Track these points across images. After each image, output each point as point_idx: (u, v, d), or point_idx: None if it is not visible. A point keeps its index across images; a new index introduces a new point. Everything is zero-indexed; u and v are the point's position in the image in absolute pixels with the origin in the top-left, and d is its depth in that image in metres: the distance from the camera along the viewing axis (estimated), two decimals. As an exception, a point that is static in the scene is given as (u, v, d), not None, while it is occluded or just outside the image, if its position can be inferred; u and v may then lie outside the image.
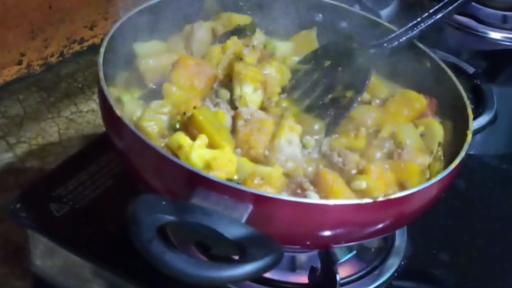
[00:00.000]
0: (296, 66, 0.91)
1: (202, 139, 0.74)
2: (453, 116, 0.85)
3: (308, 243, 0.77)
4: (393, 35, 0.90)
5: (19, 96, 1.17)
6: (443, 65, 0.90)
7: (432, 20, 0.89)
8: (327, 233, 0.72)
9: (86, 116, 1.16)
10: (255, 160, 0.77)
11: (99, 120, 1.14)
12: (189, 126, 0.77)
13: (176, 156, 0.73)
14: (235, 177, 0.74)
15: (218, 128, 0.77)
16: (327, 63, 0.90)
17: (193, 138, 0.75)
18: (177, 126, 0.78)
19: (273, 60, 0.88)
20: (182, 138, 0.75)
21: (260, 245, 0.64)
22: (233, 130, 0.80)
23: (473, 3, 1.33)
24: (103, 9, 1.25)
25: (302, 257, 0.85)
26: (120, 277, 0.82)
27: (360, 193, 0.76)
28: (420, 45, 0.92)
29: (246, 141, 0.78)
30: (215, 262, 0.63)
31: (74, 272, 0.86)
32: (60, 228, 0.86)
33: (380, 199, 0.70)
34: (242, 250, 0.64)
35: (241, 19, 0.93)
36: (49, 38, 1.19)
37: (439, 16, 0.89)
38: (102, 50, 0.80)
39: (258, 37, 0.95)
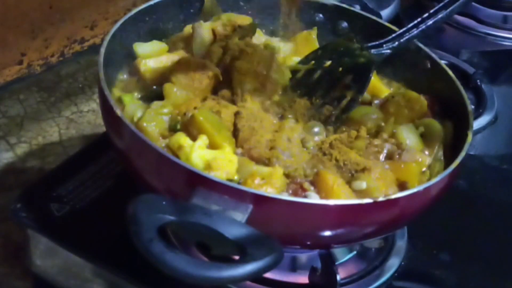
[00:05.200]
0: (296, 66, 0.91)
1: (203, 140, 0.74)
2: (454, 116, 0.85)
3: (308, 243, 0.77)
4: (393, 35, 0.90)
5: (19, 96, 1.16)
6: (443, 65, 0.90)
7: (433, 20, 0.89)
8: (327, 233, 0.72)
9: (87, 116, 1.16)
10: (256, 160, 0.77)
11: (99, 120, 1.14)
12: (190, 127, 0.77)
13: (177, 156, 0.74)
14: (236, 177, 0.74)
15: (219, 129, 0.77)
16: (328, 63, 0.90)
17: (194, 138, 0.75)
18: (178, 126, 0.78)
19: (273, 61, 0.88)
20: (182, 138, 0.75)
21: (260, 245, 0.64)
22: (234, 130, 0.80)
23: (473, 3, 1.33)
24: (104, 9, 1.25)
25: (303, 257, 0.85)
26: (120, 277, 0.82)
27: (360, 193, 0.76)
28: (420, 45, 0.92)
29: (246, 141, 0.78)
30: (216, 262, 0.63)
31: (74, 272, 0.86)
32: (60, 228, 0.86)
33: (381, 199, 0.70)
34: (242, 250, 0.64)
35: (241, 20, 0.93)
36: (50, 38, 1.19)
37: (439, 16, 0.89)
38: (102, 50, 0.80)
39: (259, 37, 0.95)
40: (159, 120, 0.78)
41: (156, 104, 0.80)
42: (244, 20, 0.94)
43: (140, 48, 0.88)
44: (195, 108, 0.79)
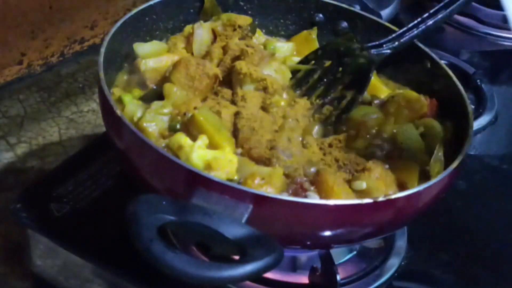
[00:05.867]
0: (296, 66, 0.91)
1: (203, 140, 0.74)
2: (454, 116, 0.85)
3: (308, 243, 0.77)
4: (393, 35, 0.90)
5: (19, 96, 1.16)
6: (443, 65, 0.90)
7: (433, 20, 0.89)
8: (327, 233, 0.72)
9: (87, 116, 1.16)
10: (256, 160, 0.77)
11: (99, 120, 1.14)
12: (190, 127, 0.77)
13: (177, 156, 0.74)
14: (236, 177, 0.74)
15: (219, 129, 0.77)
16: (328, 63, 0.91)
17: (194, 138, 0.75)
18: (178, 126, 0.78)
19: (273, 60, 0.88)
20: (182, 138, 0.75)
21: (260, 245, 0.64)
22: (234, 130, 0.80)
23: (473, 3, 1.33)
24: (104, 9, 1.25)
25: (303, 257, 0.85)
26: (120, 277, 0.82)
27: (360, 193, 0.76)
28: (420, 45, 0.92)
29: (246, 141, 0.78)
30: (216, 262, 0.63)
31: (74, 272, 0.86)
32: (60, 228, 0.86)
33: (381, 199, 0.70)
34: (242, 250, 0.64)
35: (241, 20, 0.93)
36: (50, 38, 1.19)
37: (439, 16, 0.89)
38: (102, 50, 0.80)
39: (259, 37, 0.95)
40: (159, 120, 0.78)
41: (156, 104, 0.80)
42: (244, 20, 0.94)
43: (140, 48, 0.88)
44: (195, 108, 0.79)
